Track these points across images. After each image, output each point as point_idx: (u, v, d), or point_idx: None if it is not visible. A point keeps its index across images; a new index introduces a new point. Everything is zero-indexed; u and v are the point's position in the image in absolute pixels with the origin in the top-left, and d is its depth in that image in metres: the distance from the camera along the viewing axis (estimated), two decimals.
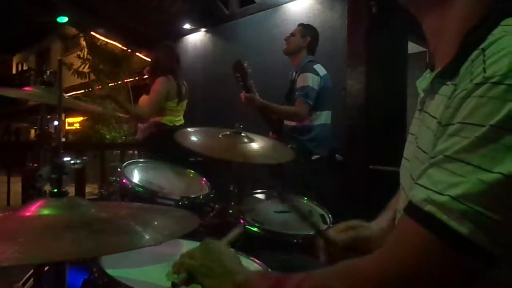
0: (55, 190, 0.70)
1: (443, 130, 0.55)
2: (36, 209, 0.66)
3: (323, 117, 2.61)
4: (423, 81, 0.75)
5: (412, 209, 0.53)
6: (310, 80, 2.51)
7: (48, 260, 0.54)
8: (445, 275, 0.50)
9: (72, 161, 0.77)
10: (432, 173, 0.53)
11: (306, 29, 2.74)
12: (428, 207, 0.50)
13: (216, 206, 1.71)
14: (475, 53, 0.56)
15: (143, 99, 3.23)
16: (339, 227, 1.00)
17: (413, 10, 0.73)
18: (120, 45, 7.06)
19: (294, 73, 2.68)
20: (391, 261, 0.54)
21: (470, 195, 0.47)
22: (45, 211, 0.66)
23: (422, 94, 0.73)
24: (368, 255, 0.58)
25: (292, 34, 2.73)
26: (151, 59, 3.23)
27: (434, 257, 0.50)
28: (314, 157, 2.54)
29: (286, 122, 2.66)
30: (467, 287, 0.51)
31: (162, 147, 2.57)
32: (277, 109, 2.60)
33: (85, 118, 7.91)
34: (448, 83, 0.62)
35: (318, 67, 2.60)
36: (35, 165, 1.36)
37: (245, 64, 2.37)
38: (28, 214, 0.65)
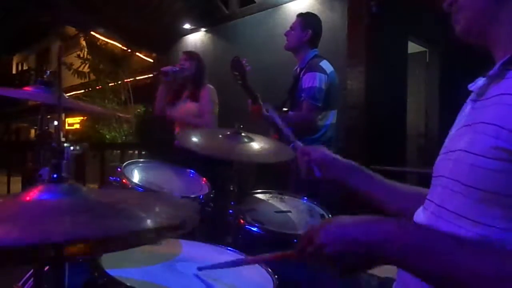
0: (55, 176, 0.69)
1: None
2: (36, 194, 0.66)
3: (330, 117, 2.47)
4: (478, 80, 0.74)
5: None
6: (317, 80, 2.34)
7: (50, 241, 0.53)
8: None
9: (71, 148, 0.75)
10: None
11: (307, 20, 2.52)
12: None
13: (216, 206, 1.70)
14: None
15: (191, 106, 2.97)
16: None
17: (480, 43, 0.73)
18: (120, 45, 7.06)
19: (298, 69, 2.53)
20: None
21: None
22: (46, 196, 0.66)
23: (481, 83, 0.71)
24: None
25: (292, 28, 2.52)
26: (196, 66, 3.00)
27: None
28: None
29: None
30: None
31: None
32: (285, 120, 2.53)
33: (85, 118, 7.91)
34: None
35: (325, 64, 2.42)
36: (35, 165, 1.36)
37: (244, 61, 2.24)
38: (28, 198, 0.65)
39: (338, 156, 1.10)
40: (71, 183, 0.71)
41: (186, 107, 2.97)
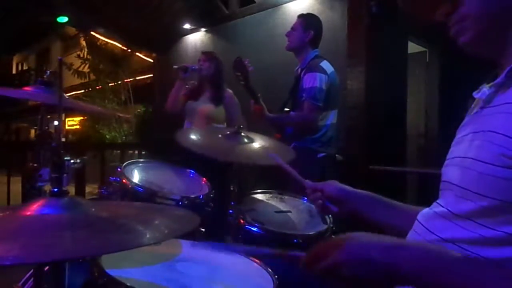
0: (55, 190, 0.70)
1: None
2: (37, 208, 0.66)
3: (330, 117, 2.49)
4: (482, 88, 0.74)
5: None
6: (318, 81, 2.36)
7: (50, 259, 0.54)
8: None
9: (72, 161, 0.77)
10: None
11: (308, 21, 2.54)
12: None
13: (216, 206, 1.70)
14: None
15: (213, 110, 2.91)
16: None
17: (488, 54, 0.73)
18: (120, 45, 7.07)
19: (299, 70, 2.54)
20: None
21: None
22: (46, 211, 0.66)
23: (487, 91, 0.71)
24: None
25: (293, 29, 2.54)
26: (215, 67, 2.92)
27: None
28: (320, 155, 2.44)
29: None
30: None
31: None
32: (286, 120, 2.54)
33: (85, 118, 7.92)
34: None
35: (325, 64, 2.44)
36: (35, 165, 1.36)
37: (246, 62, 2.26)
38: (28, 213, 0.65)
39: (351, 189, 1.03)
40: (71, 196, 0.71)
41: (208, 110, 2.90)
